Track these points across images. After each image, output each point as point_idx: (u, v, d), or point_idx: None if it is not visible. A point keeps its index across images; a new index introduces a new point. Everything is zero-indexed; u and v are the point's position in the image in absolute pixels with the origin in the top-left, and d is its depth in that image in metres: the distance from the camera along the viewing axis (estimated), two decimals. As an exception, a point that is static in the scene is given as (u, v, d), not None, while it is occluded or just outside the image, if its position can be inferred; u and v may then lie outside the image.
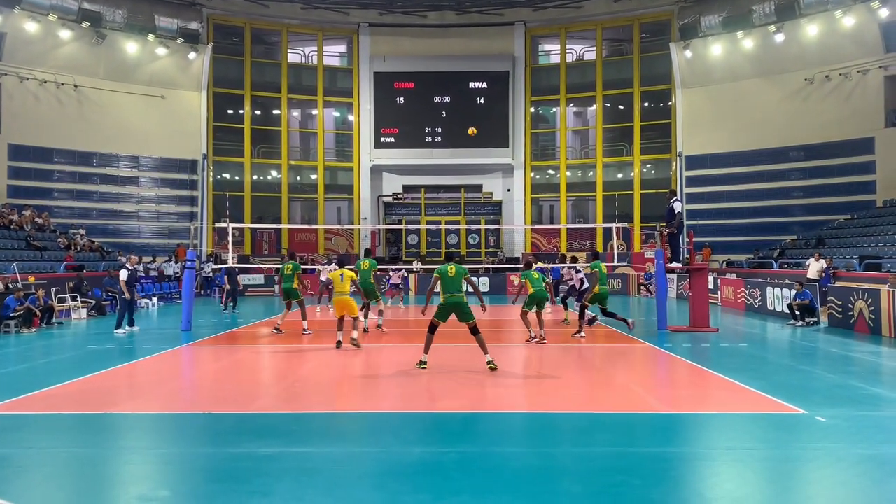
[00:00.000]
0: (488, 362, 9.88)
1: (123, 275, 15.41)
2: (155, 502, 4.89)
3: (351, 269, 12.91)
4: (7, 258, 22.19)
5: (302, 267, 16.16)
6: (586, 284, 16.10)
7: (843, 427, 6.74)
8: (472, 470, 5.47)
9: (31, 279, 18.89)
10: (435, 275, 10.48)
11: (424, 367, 9.94)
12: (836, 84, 28.43)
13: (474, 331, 10.15)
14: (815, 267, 19.93)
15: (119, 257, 26.62)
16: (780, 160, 30.45)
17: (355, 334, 12.26)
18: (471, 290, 10.79)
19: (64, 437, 6.68)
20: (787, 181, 30.39)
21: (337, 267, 13.01)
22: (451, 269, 10.21)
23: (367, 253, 16.63)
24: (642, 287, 28.66)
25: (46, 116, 29.18)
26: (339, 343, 12.28)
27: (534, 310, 13.09)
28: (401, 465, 5.64)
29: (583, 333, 13.78)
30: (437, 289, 10.49)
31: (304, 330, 14.51)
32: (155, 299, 23.40)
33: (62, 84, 29.19)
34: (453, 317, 10.26)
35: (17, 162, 28.81)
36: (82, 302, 19.16)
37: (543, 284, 13.44)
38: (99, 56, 30.16)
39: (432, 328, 10.18)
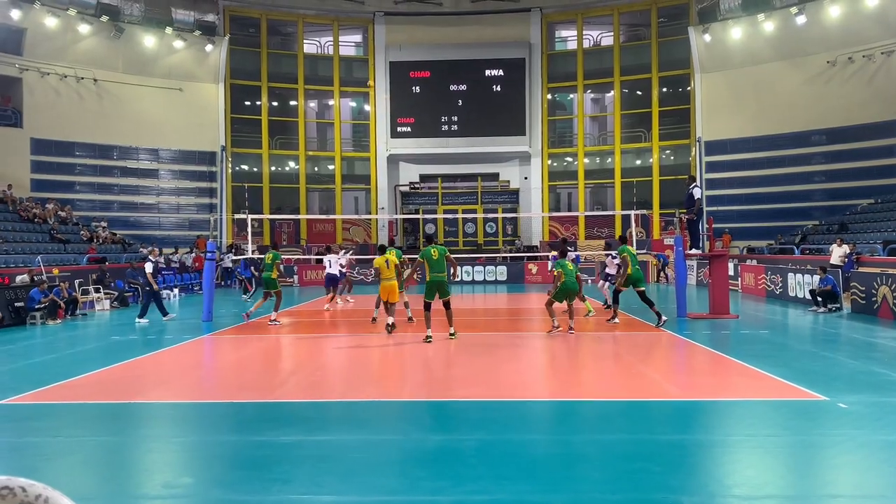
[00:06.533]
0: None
1: (149, 267, 15.68)
2: (178, 489, 4.99)
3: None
4: (32, 251, 22.58)
5: (283, 256, 16.14)
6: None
7: (865, 413, 6.66)
8: (491, 457, 5.49)
9: (56, 271, 19.18)
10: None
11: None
12: (859, 66, 27.88)
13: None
14: (837, 252, 19.67)
15: (141, 249, 26.96)
16: (802, 144, 29.95)
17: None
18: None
19: (90, 425, 6.81)
20: (808, 166, 29.88)
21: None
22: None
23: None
24: (660, 273, 28.31)
25: (67, 110, 29.50)
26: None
27: (563, 301, 12.63)
28: (420, 452, 5.69)
29: (616, 319, 13.98)
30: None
31: (272, 321, 14.46)
32: (176, 290, 23.66)
33: (82, 78, 29.46)
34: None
35: (39, 156, 29.17)
36: (105, 293, 19.47)
37: (575, 276, 12.83)
38: (117, 50, 30.40)
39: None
